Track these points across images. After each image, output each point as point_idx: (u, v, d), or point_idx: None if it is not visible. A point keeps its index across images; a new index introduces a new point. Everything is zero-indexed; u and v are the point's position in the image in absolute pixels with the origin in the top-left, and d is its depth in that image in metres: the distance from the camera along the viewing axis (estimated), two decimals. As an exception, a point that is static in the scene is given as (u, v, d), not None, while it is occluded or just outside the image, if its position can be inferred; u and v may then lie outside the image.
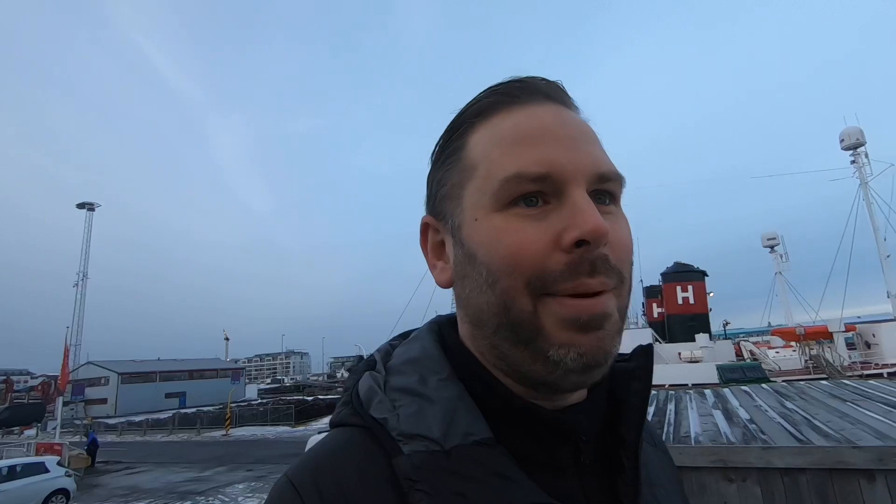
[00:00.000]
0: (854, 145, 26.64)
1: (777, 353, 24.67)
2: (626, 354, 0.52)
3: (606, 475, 0.48)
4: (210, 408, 35.77)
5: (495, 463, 0.40)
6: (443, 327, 0.53)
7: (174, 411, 35.90)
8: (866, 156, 26.39)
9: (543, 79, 0.48)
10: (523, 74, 0.48)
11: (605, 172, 0.44)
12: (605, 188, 0.45)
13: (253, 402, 38.97)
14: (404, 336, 0.55)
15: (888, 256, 25.40)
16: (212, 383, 53.40)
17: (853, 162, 26.85)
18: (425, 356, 0.48)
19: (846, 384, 5.25)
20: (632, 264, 0.45)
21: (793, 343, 25.02)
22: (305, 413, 30.01)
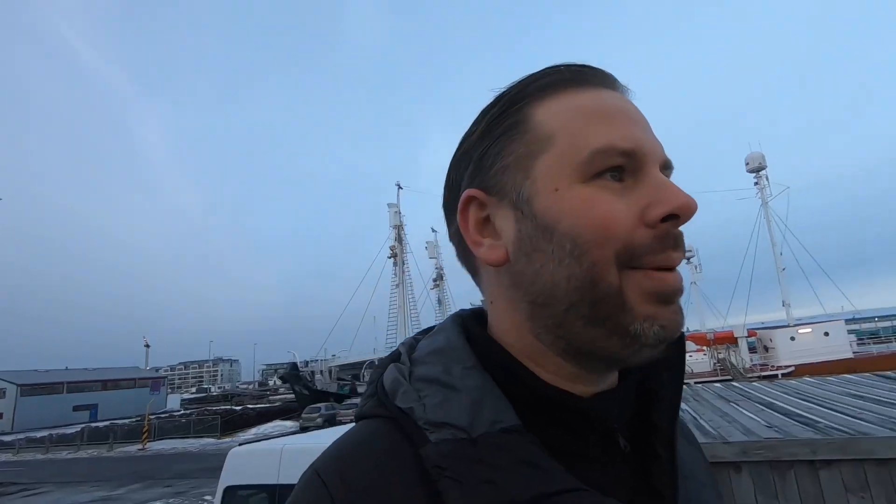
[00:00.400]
0: (757, 168, 29.77)
1: (690, 356, 26.73)
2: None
3: (640, 464, 0.47)
4: (126, 421, 33.29)
5: (524, 450, 0.40)
6: (466, 320, 0.52)
7: (83, 425, 32.98)
8: (767, 178, 29.57)
9: (602, 69, 0.49)
10: (578, 62, 0.48)
11: (668, 160, 0.46)
12: (666, 175, 0.46)
13: (175, 413, 36.75)
14: (427, 331, 0.55)
15: (784, 269, 28.49)
16: (129, 394, 49.65)
17: (756, 184, 30.00)
18: (450, 347, 0.48)
19: (735, 386, 5.91)
20: None
21: (704, 347, 27.29)
22: (233, 423, 28.67)
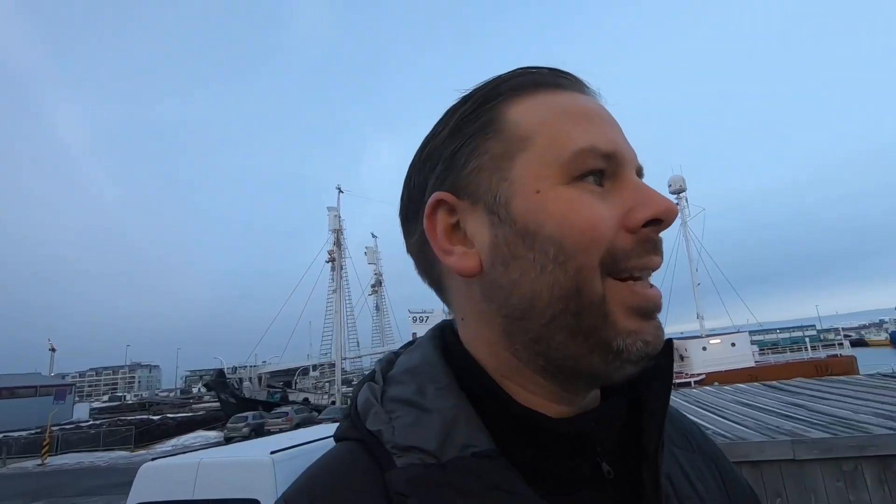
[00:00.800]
0: (678, 190, 32.21)
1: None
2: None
3: (630, 488, 0.44)
4: (23, 433, 30.05)
5: (496, 476, 0.38)
6: (446, 332, 0.49)
7: (-30, 439, 29.45)
8: (686, 200, 32.02)
9: (575, 74, 0.48)
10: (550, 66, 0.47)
11: (641, 166, 0.45)
12: None
13: (83, 424, 33.61)
14: (410, 345, 0.52)
15: (699, 284, 30.89)
16: (28, 403, 44.72)
17: (677, 204, 32.13)
18: (425, 364, 0.46)
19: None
20: None
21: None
22: (149, 434, 26.72)
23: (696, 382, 23.28)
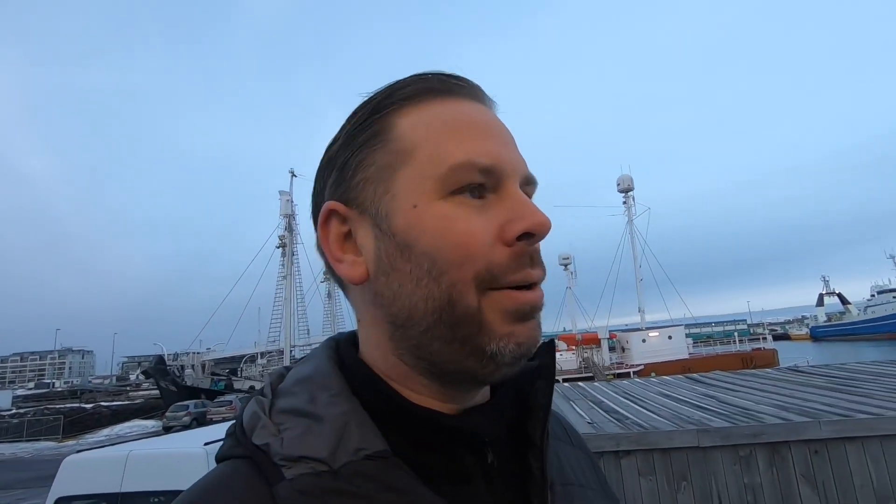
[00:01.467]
0: (626, 189, 33.67)
1: (561, 355, 29.31)
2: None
3: (519, 477, 0.46)
4: (-67, 423, 27.70)
5: (390, 476, 0.38)
6: (341, 344, 0.50)
7: None
8: (633, 199, 33.52)
9: (470, 80, 0.48)
10: (447, 71, 0.48)
11: (530, 175, 0.46)
12: (527, 191, 0.46)
13: (4, 413, 31.40)
14: (301, 361, 0.52)
15: (641, 279, 32.45)
16: (-60, 390, 41.30)
17: (624, 202, 33.86)
18: (317, 374, 0.46)
19: (580, 386, 6.75)
20: None
21: (573, 347, 30.10)
22: (80, 424, 25.37)
23: (634, 373, 24.57)
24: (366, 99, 0.47)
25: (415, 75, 0.47)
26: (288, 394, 0.45)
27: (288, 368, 0.51)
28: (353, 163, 0.45)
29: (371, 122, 0.45)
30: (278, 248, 33.15)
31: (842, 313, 75.92)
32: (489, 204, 0.43)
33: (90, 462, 3.48)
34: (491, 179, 0.43)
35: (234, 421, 0.47)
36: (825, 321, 79.82)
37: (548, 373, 0.50)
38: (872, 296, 66.38)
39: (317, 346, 0.52)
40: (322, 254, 0.50)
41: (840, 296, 76.89)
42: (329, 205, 0.45)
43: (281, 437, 0.41)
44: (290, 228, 32.76)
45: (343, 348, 0.49)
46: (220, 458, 0.45)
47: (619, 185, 33.73)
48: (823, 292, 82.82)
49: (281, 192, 33.09)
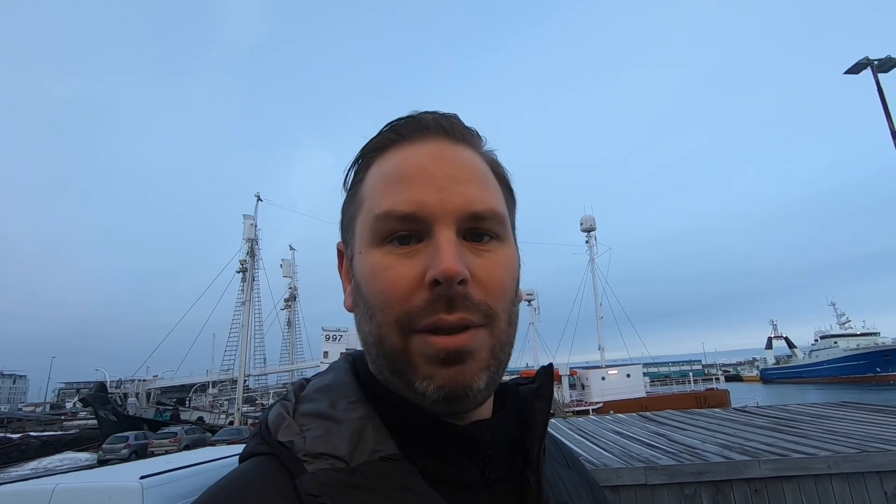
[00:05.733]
0: (588, 229, 34.71)
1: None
2: (533, 377, 0.57)
3: (516, 492, 0.50)
4: None
5: (400, 477, 0.42)
6: (357, 359, 0.55)
7: None
8: (595, 238, 34.55)
9: (434, 113, 0.51)
10: (420, 109, 0.51)
11: (479, 212, 0.46)
12: (481, 227, 0.47)
13: (-85, 443, 28.40)
14: (319, 375, 0.57)
15: (602, 318, 33.09)
16: None
17: (587, 242, 34.83)
18: (337, 383, 0.51)
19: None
20: (511, 300, 0.48)
21: (536, 383, 29.98)
22: (4, 456, 23.24)
23: (594, 410, 24.71)
24: (361, 147, 0.54)
25: (386, 125, 0.51)
26: (310, 399, 0.50)
27: (307, 379, 0.56)
28: (343, 209, 0.54)
29: (353, 174, 0.53)
30: (238, 272, 32.17)
31: (789, 356, 79.03)
32: (417, 250, 0.46)
33: (10, 497, 3.21)
34: (417, 225, 0.46)
35: (259, 422, 0.52)
36: (774, 364, 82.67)
37: (546, 394, 0.55)
38: (816, 340, 69.56)
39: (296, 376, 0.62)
40: None
41: (787, 339, 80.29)
42: (338, 244, 0.56)
43: (304, 436, 0.45)
44: (252, 253, 31.94)
45: (359, 362, 0.54)
46: (246, 456, 0.48)
47: (581, 224, 34.80)
48: (772, 336, 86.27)
49: (245, 216, 32.36)
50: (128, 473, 3.52)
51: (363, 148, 0.53)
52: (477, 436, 0.47)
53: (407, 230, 0.46)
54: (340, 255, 0.56)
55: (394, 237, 0.46)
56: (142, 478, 3.15)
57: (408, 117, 0.51)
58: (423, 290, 0.44)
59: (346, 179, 0.54)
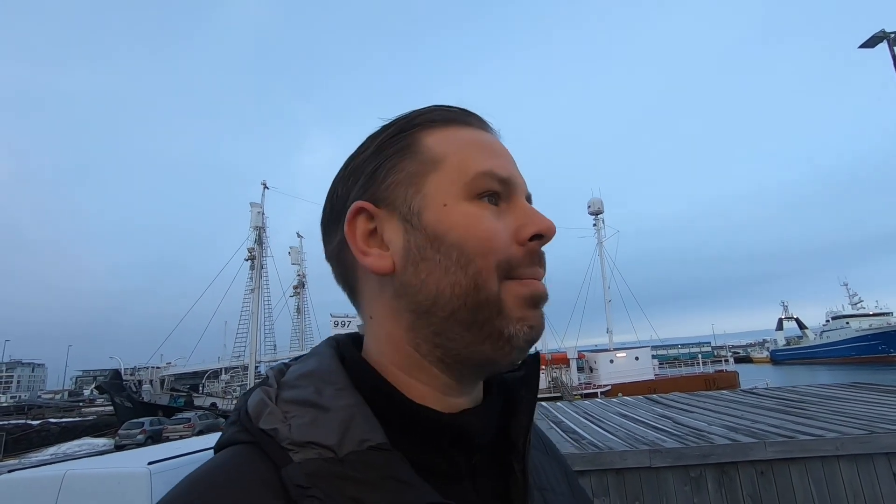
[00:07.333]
0: (596, 212, 34.43)
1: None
2: (517, 364, 0.56)
3: (501, 479, 0.50)
4: None
5: (390, 467, 0.41)
6: (341, 344, 0.53)
7: None
8: (603, 221, 34.30)
9: (479, 115, 0.56)
10: (461, 106, 0.55)
11: (529, 194, 0.54)
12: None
13: (-61, 430, 29.27)
14: (298, 360, 0.54)
15: (610, 301, 33.02)
16: None
17: (594, 225, 34.59)
18: (322, 369, 0.48)
19: (543, 405, 6.76)
20: None
21: (542, 366, 30.21)
22: (26, 441, 23.92)
23: (602, 393, 24.79)
24: (390, 121, 0.54)
25: (434, 105, 0.54)
26: (293, 386, 0.47)
27: (287, 364, 0.53)
28: (384, 169, 0.51)
29: (400, 138, 0.52)
30: (247, 260, 32.41)
31: (799, 337, 78.64)
32: (503, 211, 0.50)
33: (22, 483, 3.28)
34: (506, 190, 0.50)
35: (235, 409, 0.48)
36: (784, 345, 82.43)
37: (532, 383, 0.55)
38: (827, 321, 69.07)
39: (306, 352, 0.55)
40: (336, 259, 0.54)
41: (798, 320, 79.76)
42: (358, 203, 0.50)
43: (289, 424, 0.42)
44: (259, 241, 32.13)
45: (344, 347, 0.53)
46: (223, 445, 0.45)
47: (589, 207, 34.52)
48: (783, 317, 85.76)
49: (252, 204, 32.50)
50: (136, 459, 3.58)
51: (413, 118, 0.53)
52: (468, 427, 0.47)
53: (496, 192, 0.49)
54: (357, 215, 0.50)
55: (484, 195, 0.49)
56: (150, 463, 3.19)
57: (464, 109, 0.55)
58: (515, 245, 0.48)
59: (385, 139, 0.52)
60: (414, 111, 0.54)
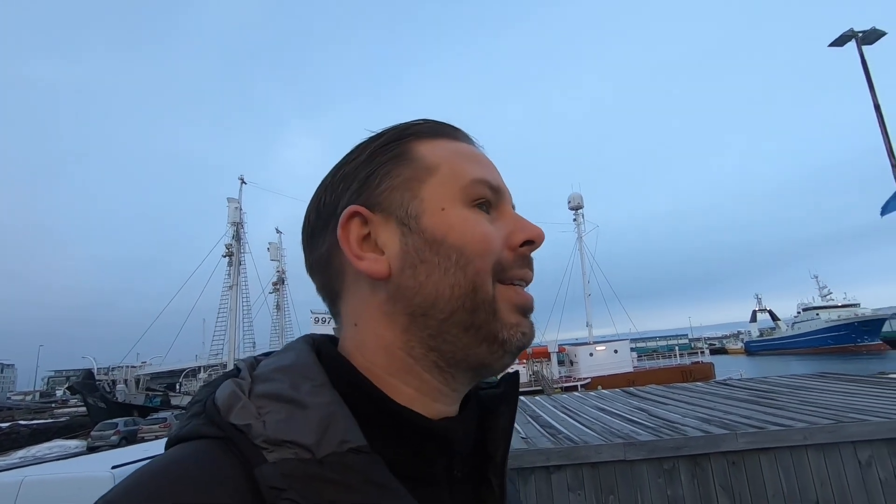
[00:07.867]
0: (576, 207, 34.75)
1: (511, 369, 29.58)
2: (495, 381, 0.57)
3: (475, 492, 0.51)
4: None
5: (370, 471, 0.39)
6: (317, 341, 0.52)
7: None
8: (583, 217, 34.68)
9: (466, 131, 0.58)
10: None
11: (514, 205, 0.56)
12: None
13: None
14: (269, 355, 0.51)
15: (589, 295, 33.46)
16: None
17: (574, 220, 34.91)
18: (299, 363, 0.46)
19: (521, 400, 6.78)
20: None
21: (524, 360, 30.49)
22: (-7, 445, 23.09)
23: (582, 386, 25.13)
24: (379, 132, 0.55)
25: (423, 119, 0.56)
26: (268, 379, 0.44)
27: (258, 358, 0.50)
28: (378, 175, 0.51)
29: (394, 146, 0.52)
30: (225, 256, 31.82)
31: (772, 329, 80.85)
32: (494, 219, 0.52)
33: (-24, 490, 3.12)
34: (496, 198, 0.53)
35: (196, 401, 0.45)
36: (758, 336, 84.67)
37: (511, 399, 0.55)
38: (798, 313, 71.21)
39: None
40: (321, 268, 0.53)
41: (771, 312, 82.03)
42: (352, 207, 0.50)
43: (263, 420, 0.40)
44: (237, 237, 31.56)
45: (322, 345, 0.51)
46: (182, 438, 0.41)
47: (569, 202, 34.83)
48: (757, 309, 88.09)
49: (229, 200, 31.89)
50: (99, 463, 3.46)
51: (403, 127, 0.54)
52: (451, 434, 0.47)
53: (490, 199, 0.52)
54: (350, 219, 0.50)
55: (477, 202, 0.51)
56: (113, 467, 3.08)
57: (453, 125, 0.57)
58: (507, 250, 0.50)
59: (378, 147, 0.53)
60: (403, 123, 0.55)
